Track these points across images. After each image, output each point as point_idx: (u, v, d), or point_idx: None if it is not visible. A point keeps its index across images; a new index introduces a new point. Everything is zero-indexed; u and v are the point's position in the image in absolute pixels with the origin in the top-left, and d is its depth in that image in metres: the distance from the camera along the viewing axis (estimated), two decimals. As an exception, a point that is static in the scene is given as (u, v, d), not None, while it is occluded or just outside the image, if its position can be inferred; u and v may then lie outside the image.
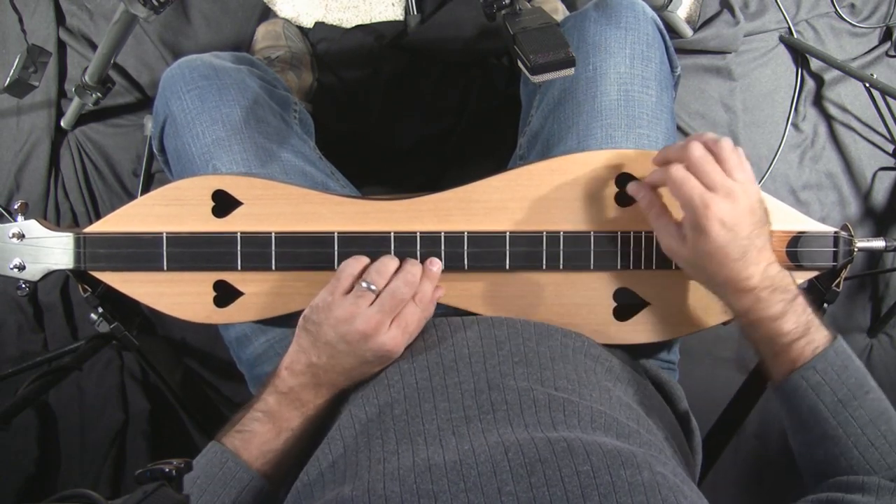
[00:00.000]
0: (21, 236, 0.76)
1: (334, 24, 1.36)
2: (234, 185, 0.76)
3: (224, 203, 0.76)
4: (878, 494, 0.60)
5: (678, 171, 0.64)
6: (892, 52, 1.37)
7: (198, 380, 1.35)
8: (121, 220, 0.76)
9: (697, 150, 0.64)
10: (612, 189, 0.75)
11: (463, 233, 0.74)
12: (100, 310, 0.82)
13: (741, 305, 0.65)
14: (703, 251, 0.64)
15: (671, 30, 1.31)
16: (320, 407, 0.68)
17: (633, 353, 0.79)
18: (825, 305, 0.79)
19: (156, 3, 0.84)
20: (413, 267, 0.70)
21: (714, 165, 0.64)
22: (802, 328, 0.64)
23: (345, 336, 0.65)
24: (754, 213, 0.64)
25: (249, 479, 0.64)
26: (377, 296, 0.67)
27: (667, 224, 0.69)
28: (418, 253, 0.74)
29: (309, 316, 0.68)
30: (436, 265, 0.72)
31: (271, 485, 0.66)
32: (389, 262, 0.70)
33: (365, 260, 0.71)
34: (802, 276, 0.77)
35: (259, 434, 0.66)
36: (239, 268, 0.75)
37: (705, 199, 0.62)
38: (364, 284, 0.67)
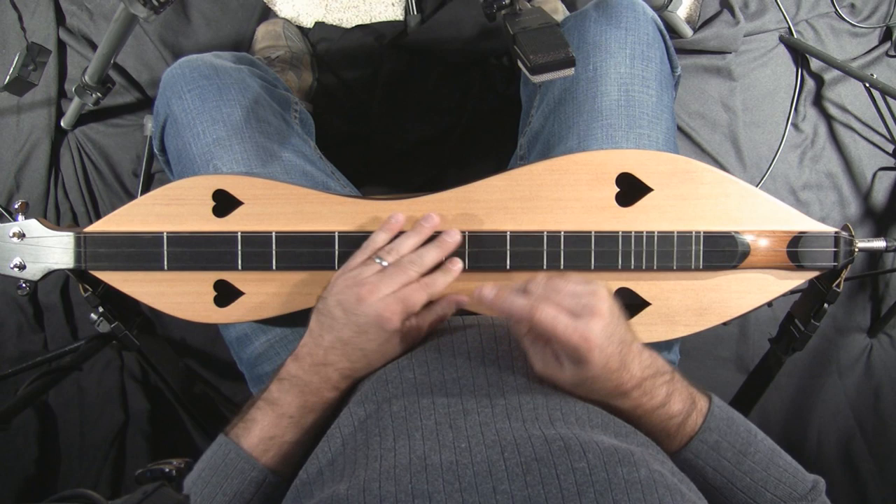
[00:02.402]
0: (21, 236, 0.76)
1: (334, 24, 1.36)
2: (234, 185, 0.76)
3: (225, 203, 0.76)
4: None
5: (546, 311, 0.57)
6: (892, 52, 1.37)
7: (198, 380, 1.35)
8: (121, 220, 0.76)
9: (539, 287, 0.60)
10: (613, 189, 0.75)
11: (464, 232, 0.74)
12: (100, 309, 0.82)
13: (629, 404, 0.61)
14: (586, 377, 0.59)
15: (671, 30, 1.31)
16: (321, 393, 0.67)
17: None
18: (826, 305, 0.79)
19: (156, 3, 0.84)
20: (429, 251, 0.70)
21: (561, 292, 0.59)
22: (689, 404, 0.63)
23: (342, 302, 0.65)
24: (614, 311, 0.59)
25: (251, 470, 0.64)
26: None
27: (543, 351, 0.61)
28: (419, 253, 0.74)
29: (321, 295, 0.68)
30: (456, 265, 0.72)
31: (275, 476, 0.66)
32: (406, 241, 0.71)
33: (388, 235, 0.72)
34: (802, 277, 0.78)
35: (258, 421, 0.66)
36: (239, 267, 0.75)
37: (581, 332, 0.56)
38: (377, 259, 0.68)
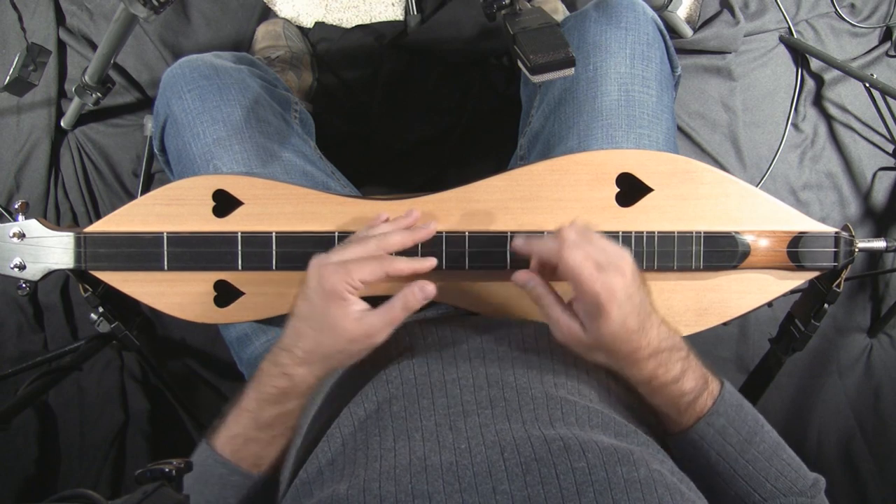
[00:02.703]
0: (21, 236, 0.76)
1: (334, 24, 1.36)
2: (234, 185, 0.76)
3: (225, 203, 0.76)
4: None
5: (575, 254, 0.58)
6: (892, 52, 1.37)
7: (198, 380, 1.35)
8: (121, 220, 0.76)
9: (572, 234, 0.59)
10: (613, 189, 0.75)
11: (464, 233, 0.74)
12: (100, 310, 0.82)
13: (644, 374, 0.61)
14: (604, 334, 0.58)
15: (671, 30, 1.31)
16: (273, 380, 0.63)
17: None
18: (826, 305, 0.79)
19: (156, 3, 0.84)
20: (396, 232, 0.68)
21: (591, 244, 0.59)
22: (701, 383, 0.63)
23: (302, 279, 0.64)
24: (636, 276, 0.60)
25: (229, 474, 0.64)
26: None
27: (563, 313, 0.62)
28: (419, 252, 0.74)
29: None
30: (428, 259, 0.68)
31: (249, 478, 0.64)
32: (380, 229, 0.69)
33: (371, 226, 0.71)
34: (803, 277, 0.78)
35: (227, 421, 0.66)
36: (239, 268, 0.75)
37: (603, 282, 0.57)
38: None
